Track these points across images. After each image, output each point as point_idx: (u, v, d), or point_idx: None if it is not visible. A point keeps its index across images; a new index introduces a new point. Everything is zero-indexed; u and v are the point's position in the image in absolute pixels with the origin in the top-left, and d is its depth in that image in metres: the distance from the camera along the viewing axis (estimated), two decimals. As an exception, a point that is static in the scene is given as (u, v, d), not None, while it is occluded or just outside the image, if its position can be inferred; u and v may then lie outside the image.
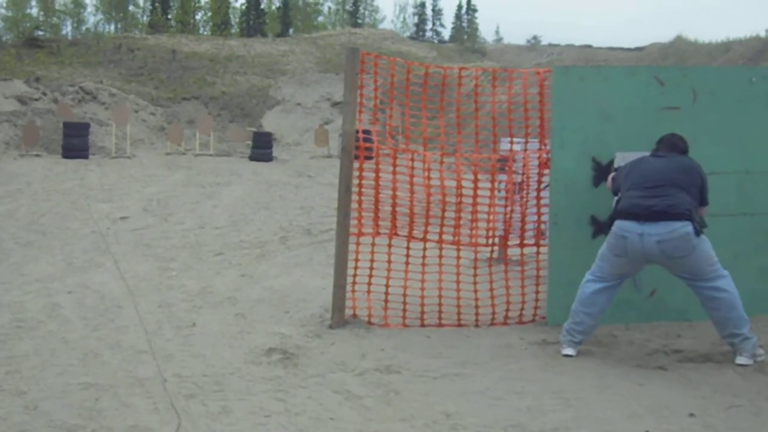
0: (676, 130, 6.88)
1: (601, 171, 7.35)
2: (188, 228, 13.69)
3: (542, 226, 7.84)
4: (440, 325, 7.60)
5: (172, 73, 36.61)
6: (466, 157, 8.01)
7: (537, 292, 7.73)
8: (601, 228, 7.25)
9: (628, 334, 7.18)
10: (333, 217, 9.72)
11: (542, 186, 7.86)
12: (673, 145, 6.68)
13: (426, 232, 7.81)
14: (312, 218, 14.75)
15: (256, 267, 10.57)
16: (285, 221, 14.40)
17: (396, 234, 7.80)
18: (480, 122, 8.07)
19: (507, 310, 7.71)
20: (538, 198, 7.86)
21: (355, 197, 7.63)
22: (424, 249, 7.78)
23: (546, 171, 7.73)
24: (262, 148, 27.15)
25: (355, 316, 7.64)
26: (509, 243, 8.08)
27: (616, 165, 7.26)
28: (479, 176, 7.85)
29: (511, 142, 8.19)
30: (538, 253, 7.89)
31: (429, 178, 7.79)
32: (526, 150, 8.12)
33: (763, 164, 7.54)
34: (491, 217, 7.96)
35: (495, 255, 8.16)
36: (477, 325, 7.63)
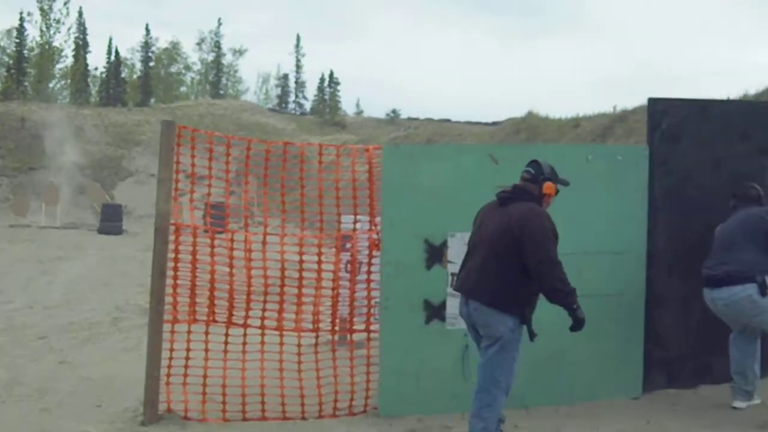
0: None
1: (435, 252, 7.01)
2: (15, 308, 12.85)
3: (373, 311, 7.42)
4: (264, 418, 7.03)
5: (21, 142, 35.25)
6: (295, 237, 7.57)
7: (368, 381, 7.27)
8: (435, 313, 6.91)
9: None
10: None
11: (372, 268, 7.44)
12: (746, 196, 6.94)
13: (246, 317, 7.26)
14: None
15: (79, 352, 9.80)
16: (122, 300, 13.76)
17: (214, 320, 7.23)
18: (314, 198, 7.64)
19: (335, 400, 7.20)
20: (368, 281, 7.44)
21: (170, 281, 7.04)
22: (245, 335, 7.22)
23: (376, 252, 7.34)
24: (111, 220, 26.40)
25: (170, 410, 6.98)
26: (337, 328, 7.61)
27: (449, 246, 6.94)
28: (304, 258, 7.40)
29: (355, 221, 7.72)
30: (368, 339, 7.44)
31: (250, 259, 7.30)
32: (355, 230, 7.69)
33: (597, 244, 7.33)
34: (317, 300, 7.46)
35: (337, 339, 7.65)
36: (304, 418, 7.07)
